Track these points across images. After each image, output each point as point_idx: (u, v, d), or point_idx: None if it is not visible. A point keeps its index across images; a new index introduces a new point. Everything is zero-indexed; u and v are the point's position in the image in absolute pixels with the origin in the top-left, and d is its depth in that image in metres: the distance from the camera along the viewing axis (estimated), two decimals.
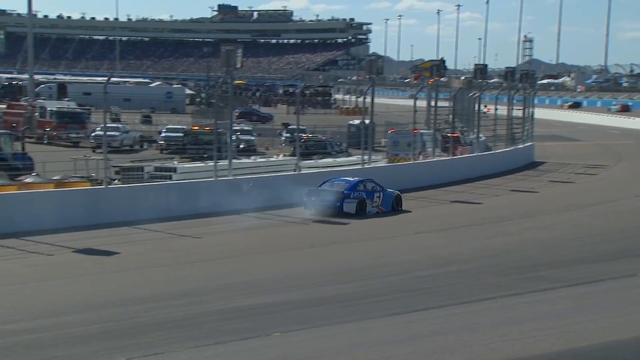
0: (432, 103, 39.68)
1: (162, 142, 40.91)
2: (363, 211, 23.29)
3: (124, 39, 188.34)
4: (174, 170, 25.71)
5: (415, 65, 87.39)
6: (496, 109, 37.32)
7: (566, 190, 29.64)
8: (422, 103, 41.88)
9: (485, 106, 43.63)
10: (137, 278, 14.67)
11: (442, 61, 56.69)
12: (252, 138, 42.66)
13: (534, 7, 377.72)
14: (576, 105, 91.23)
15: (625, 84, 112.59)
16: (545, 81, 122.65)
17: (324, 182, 24.24)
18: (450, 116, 42.13)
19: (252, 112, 71.55)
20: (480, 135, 39.01)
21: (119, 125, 43.87)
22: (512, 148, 38.83)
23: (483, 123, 38.92)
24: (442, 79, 49.25)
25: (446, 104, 44.48)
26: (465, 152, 36.76)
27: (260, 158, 32.50)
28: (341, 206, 23.15)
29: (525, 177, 32.56)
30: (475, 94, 41.58)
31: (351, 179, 24.22)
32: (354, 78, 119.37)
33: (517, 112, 41.03)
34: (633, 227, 20.87)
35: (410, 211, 24.05)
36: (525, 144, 41.18)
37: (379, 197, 24.03)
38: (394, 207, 24.26)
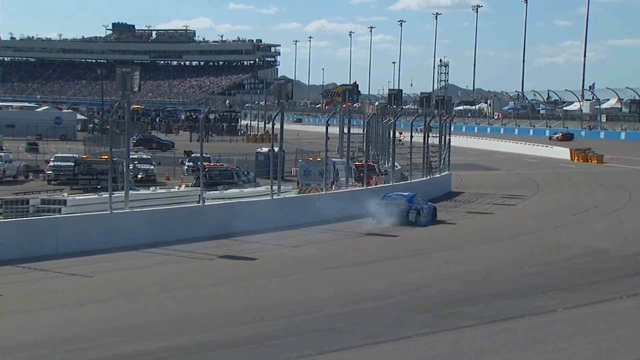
0: (345, 130, 39.89)
1: (50, 172, 40.12)
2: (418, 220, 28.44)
3: (7, 59, 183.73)
4: (64, 203, 25.03)
5: (326, 90, 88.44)
6: (412, 136, 37.63)
7: (485, 222, 30.10)
8: (334, 130, 41.86)
9: (401, 133, 44.48)
10: (22, 322, 14.27)
11: (355, 85, 57.05)
12: (151, 167, 42.16)
13: (449, 30, 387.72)
14: (569, 137, 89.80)
15: (542, 111, 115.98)
16: (461, 107, 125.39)
17: (384, 197, 29.46)
18: (364, 144, 42.24)
19: (152, 139, 71.22)
20: (396, 164, 39.34)
21: (1, 154, 42.95)
22: (428, 177, 39.16)
23: (398, 151, 39.13)
24: (355, 104, 48.99)
25: (359, 130, 44.95)
26: (380, 181, 36.88)
27: (161, 189, 32.13)
28: (407, 215, 28.60)
29: (442, 207, 32.70)
30: (389, 120, 41.85)
31: (406, 194, 29.87)
32: (262, 103, 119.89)
33: (434, 140, 41.49)
34: (552, 261, 21.27)
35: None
36: (442, 173, 41.58)
37: (427, 208, 29.33)
38: (434, 217, 29.58)
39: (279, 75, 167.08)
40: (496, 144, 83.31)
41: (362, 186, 33.44)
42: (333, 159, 35.82)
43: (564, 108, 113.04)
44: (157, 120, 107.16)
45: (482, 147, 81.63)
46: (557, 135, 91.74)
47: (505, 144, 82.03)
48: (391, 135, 38.85)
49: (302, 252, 22.51)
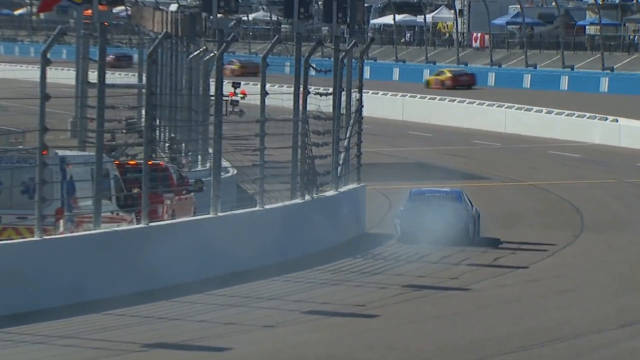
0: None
1: None
2: None
3: None
4: None
5: None
6: (263, 96, 28.62)
7: None
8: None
9: (237, 86, 41.79)
10: None
11: None
12: None
13: None
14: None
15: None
16: (388, 20, 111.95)
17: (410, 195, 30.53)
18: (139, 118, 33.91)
19: None
20: (225, 162, 31.88)
21: None
22: (307, 198, 31.08)
23: (231, 130, 31.86)
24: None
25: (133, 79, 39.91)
26: (186, 207, 29.81)
27: None
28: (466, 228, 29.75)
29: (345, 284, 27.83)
30: (204, 52, 37.10)
31: (446, 190, 31.54)
32: None
33: (324, 104, 31.69)
34: None
35: None
36: (343, 188, 33.26)
37: (476, 213, 30.38)
38: None
39: None
40: (483, 111, 68.31)
41: (134, 221, 26.02)
42: (62, 153, 25.57)
43: None
44: None
45: (443, 121, 68.87)
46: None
47: (508, 114, 66.90)
48: (213, 91, 29.85)
49: None
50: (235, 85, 43.06)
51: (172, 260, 23.43)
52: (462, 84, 79.15)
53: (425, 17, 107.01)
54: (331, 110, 31.21)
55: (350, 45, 32.22)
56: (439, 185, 36.27)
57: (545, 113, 64.54)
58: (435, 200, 29.65)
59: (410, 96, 75.41)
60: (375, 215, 35.19)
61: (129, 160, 28.65)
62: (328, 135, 31.07)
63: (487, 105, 69.17)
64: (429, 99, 73.93)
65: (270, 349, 20.32)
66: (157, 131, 36.36)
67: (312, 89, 30.63)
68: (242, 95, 42.07)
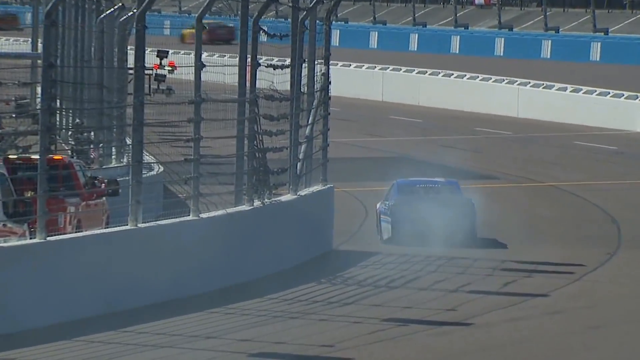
0: None
1: None
2: None
3: None
4: None
5: None
6: (197, 69, 29.13)
7: None
8: None
9: (165, 55, 40.38)
10: None
11: None
12: None
13: None
14: None
15: None
16: None
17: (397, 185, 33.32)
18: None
19: None
20: (146, 155, 32.85)
21: None
22: (259, 203, 31.45)
23: (156, 111, 33.73)
24: None
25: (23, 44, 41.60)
26: (97, 215, 30.44)
27: None
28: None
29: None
30: (118, 12, 38.33)
31: (440, 180, 33.82)
32: None
33: (279, 80, 32.70)
34: None
35: None
36: (304, 191, 34.10)
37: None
38: None
39: None
40: (489, 89, 70.77)
41: (26, 234, 26.60)
42: None
43: None
44: None
45: (435, 102, 71.37)
46: None
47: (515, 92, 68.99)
48: (132, 63, 31.21)
49: None
50: (162, 54, 43.38)
51: (78, 284, 23.95)
52: (220, 38, 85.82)
53: None
54: (288, 87, 31.64)
55: (314, 1, 32.37)
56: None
57: (571, 92, 65.41)
58: (432, 193, 31.53)
59: (392, 69, 76.32)
60: (346, 226, 35.89)
61: (20, 155, 28.95)
62: (284, 121, 31.66)
63: (493, 82, 70.59)
64: (417, 72, 74.58)
65: None
66: (58, 115, 37.06)
67: (263, 59, 31.07)
68: (170, 68, 42.36)
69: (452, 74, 73.09)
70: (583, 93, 63.98)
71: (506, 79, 69.03)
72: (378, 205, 32.45)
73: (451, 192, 32.15)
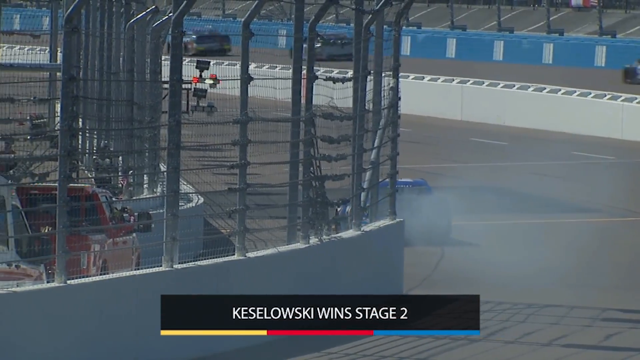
0: None
1: None
2: None
3: None
4: None
5: None
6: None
7: None
8: None
9: (206, 67, 41.41)
10: None
11: None
12: None
13: None
14: None
15: None
16: None
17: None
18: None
19: None
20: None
21: None
22: (315, 241, 31.18)
23: (205, 135, 33.07)
24: None
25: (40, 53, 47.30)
26: (126, 254, 31.04)
27: None
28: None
29: None
30: (151, 15, 38.96)
31: (409, 180, 38.09)
32: None
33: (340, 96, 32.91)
34: None
35: None
36: (367, 227, 33.80)
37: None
38: None
39: None
40: (588, 105, 71.14)
41: (43, 276, 26.90)
42: None
43: None
44: None
45: (523, 121, 71.95)
46: None
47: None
48: (167, 76, 30.36)
49: None
50: (202, 65, 43.46)
51: (102, 336, 23.97)
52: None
53: None
54: (350, 104, 31.64)
55: (380, 2, 32.28)
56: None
57: None
58: (406, 193, 34.76)
59: (473, 82, 76.19)
60: (418, 267, 35.87)
61: (36, 184, 29.15)
62: (346, 144, 31.66)
63: (593, 97, 70.11)
64: (502, 86, 74.52)
65: None
66: (80, 137, 37.21)
67: (320, 71, 30.76)
68: (212, 81, 42.41)
69: (544, 88, 73.28)
70: None
71: (608, 94, 69.22)
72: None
73: (425, 192, 36.45)
